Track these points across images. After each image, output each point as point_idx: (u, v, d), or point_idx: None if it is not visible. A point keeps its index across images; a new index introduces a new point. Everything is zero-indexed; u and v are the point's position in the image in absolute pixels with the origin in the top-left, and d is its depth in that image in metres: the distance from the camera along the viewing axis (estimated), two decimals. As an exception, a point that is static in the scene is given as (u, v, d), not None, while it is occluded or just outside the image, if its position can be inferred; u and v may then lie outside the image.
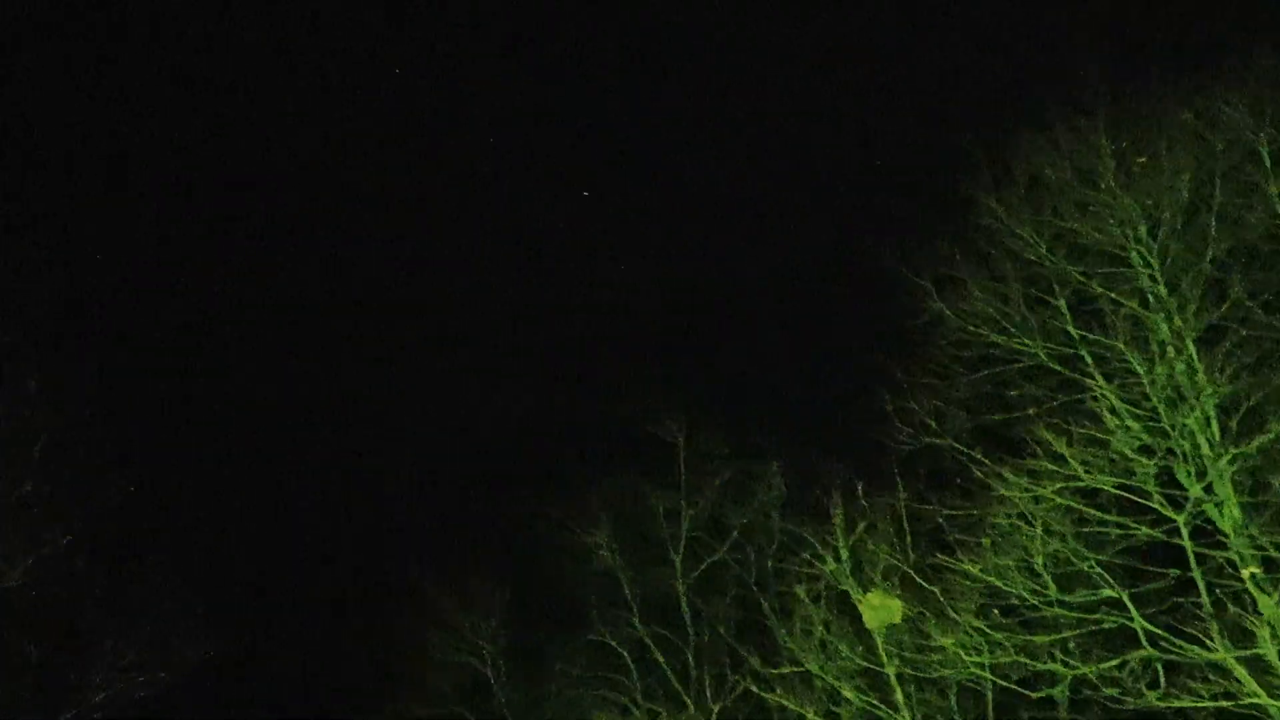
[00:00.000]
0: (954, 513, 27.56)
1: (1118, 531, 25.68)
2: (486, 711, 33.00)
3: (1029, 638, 25.95)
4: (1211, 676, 24.11)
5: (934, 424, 28.83)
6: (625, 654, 31.94)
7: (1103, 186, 26.79)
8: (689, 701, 30.33)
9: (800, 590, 28.40)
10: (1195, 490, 25.04)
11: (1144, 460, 25.47)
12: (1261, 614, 23.88)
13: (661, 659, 31.64)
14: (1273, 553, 24.39)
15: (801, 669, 27.94)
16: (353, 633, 34.04)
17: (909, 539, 28.10)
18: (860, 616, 27.77)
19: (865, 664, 27.45)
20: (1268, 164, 26.05)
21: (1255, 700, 23.72)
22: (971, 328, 28.44)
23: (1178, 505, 25.21)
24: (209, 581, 28.07)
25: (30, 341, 25.58)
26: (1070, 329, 27.04)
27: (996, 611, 26.48)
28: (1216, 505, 25.12)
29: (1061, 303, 27.23)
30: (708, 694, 29.70)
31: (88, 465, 25.80)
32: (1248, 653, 23.80)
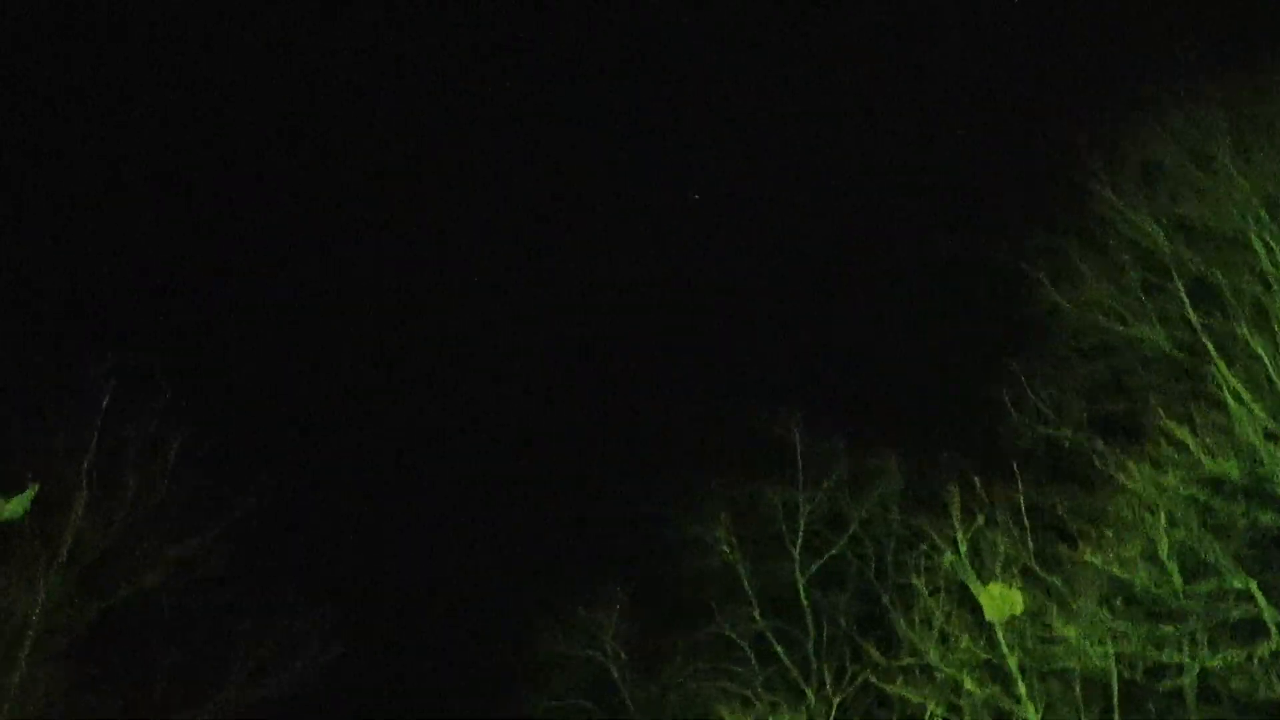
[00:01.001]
0: (1074, 503, 27.25)
1: (1244, 520, 25.19)
2: (611, 706, 33.34)
3: (1155, 628, 25.56)
4: (1344, 667, 23.57)
5: (1052, 414, 28.57)
6: (746, 647, 32.04)
7: (1219, 169, 26.30)
8: (809, 693, 30.32)
9: (919, 582, 28.24)
10: (1325, 476, 24.48)
11: (1271, 446, 24.94)
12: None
13: (782, 652, 31.71)
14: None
15: (922, 661, 27.80)
16: (477, 630, 34.60)
17: (1029, 530, 27.79)
18: (981, 608, 27.51)
19: (986, 656, 27.19)
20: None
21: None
22: (1089, 316, 28.11)
23: (1306, 492, 24.68)
24: (336, 582, 28.83)
25: (162, 353, 26.62)
26: (1190, 315, 26.59)
27: (1120, 602, 26.12)
28: (1348, 492, 24.54)
29: (1180, 288, 26.78)
30: (828, 686, 29.65)
31: (219, 472, 26.76)
32: (1382, 643, 23.23)
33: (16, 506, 25.38)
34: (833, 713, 29.17)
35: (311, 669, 26.90)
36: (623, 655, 33.44)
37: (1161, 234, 26.96)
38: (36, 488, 25.41)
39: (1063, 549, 26.79)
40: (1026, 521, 27.86)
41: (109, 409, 25.79)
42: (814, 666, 31.24)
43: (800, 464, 32.63)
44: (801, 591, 32.14)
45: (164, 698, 25.58)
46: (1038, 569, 27.17)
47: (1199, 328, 26.40)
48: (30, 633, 25.13)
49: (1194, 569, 25.47)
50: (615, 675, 33.35)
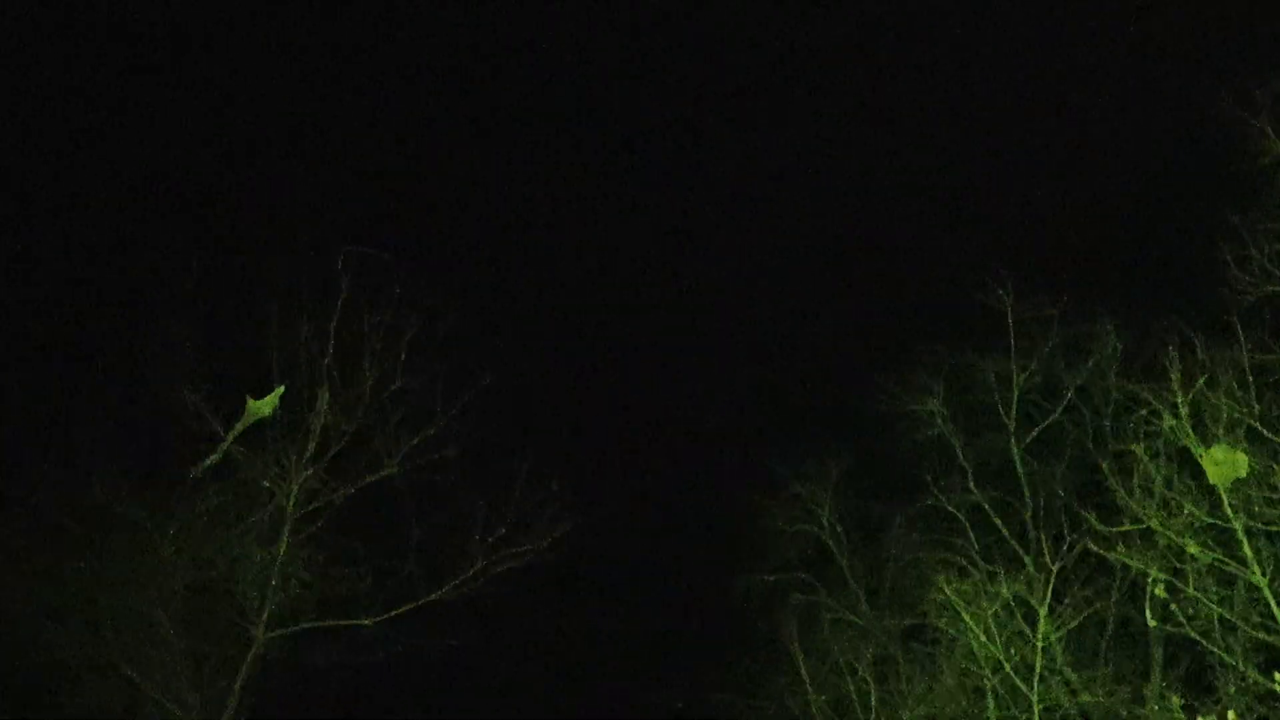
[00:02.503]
0: (1302, 361, 26.59)
1: None
2: (829, 578, 34.00)
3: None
4: None
5: (1277, 270, 27.75)
6: (962, 518, 32.22)
7: None
8: (1028, 562, 30.42)
9: (1139, 448, 27.95)
10: None
11: None
12: None
13: (999, 522, 31.79)
14: None
15: (1143, 527, 27.62)
16: (698, 507, 35.55)
17: (1253, 391, 27.20)
18: (1203, 472, 27.12)
19: (1210, 520, 26.87)
20: None
21: None
22: (1317, 168, 27.10)
23: None
24: (564, 461, 30.00)
25: (391, 246, 28.04)
26: None
27: (1352, 460, 25.50)
28: None
29: None
30: (1046, 554, 29.65)
31: (449, 359, 28.13)
32: None
33: (265, 406, 27.38)
34: (1052, 580, 29.17)
35: (543, 543, 28.22)
36: (839, 528, 34.01)
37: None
38: (283, 389, 27.32)
39: (1289, 408, 26.21)
40: (1251, 381, 27.28)
41: (345, 305, 27.38)
42: (1031, 535, 31.25)
43: (1012, 332, 32.41)
44: (1017, 461, 32.09)
45: (409, 574, 27.34)
46: (1263, 430, 26.64)
47: None
48: (288, 520, 27.15)
49: None
50: (832, 547, 33.97)
